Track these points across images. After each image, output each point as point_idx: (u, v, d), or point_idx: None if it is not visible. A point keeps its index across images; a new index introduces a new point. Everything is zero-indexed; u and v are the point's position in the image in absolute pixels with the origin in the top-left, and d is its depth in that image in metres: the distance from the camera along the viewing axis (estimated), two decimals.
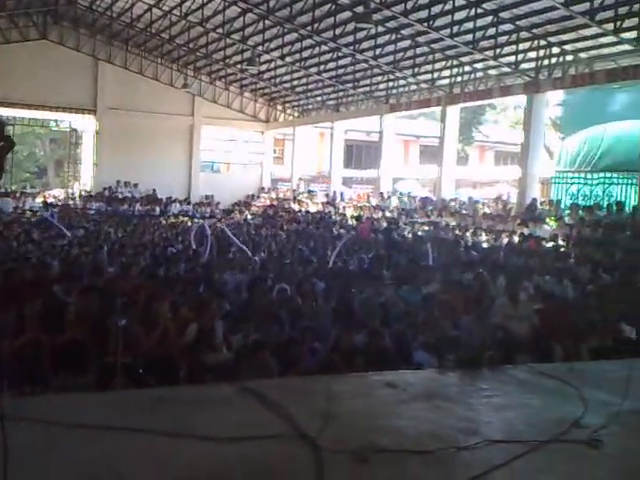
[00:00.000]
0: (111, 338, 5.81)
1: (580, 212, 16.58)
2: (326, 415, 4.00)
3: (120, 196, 28.90)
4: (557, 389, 4.87)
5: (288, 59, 25.22)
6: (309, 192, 29.93)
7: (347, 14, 19.48)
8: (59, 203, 26.74)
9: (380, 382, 4.94)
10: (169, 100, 30.22)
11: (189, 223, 23.59)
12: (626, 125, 16.89)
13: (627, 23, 15.06)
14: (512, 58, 19.10)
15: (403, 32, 20.00)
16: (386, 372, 5.30)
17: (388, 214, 22.65)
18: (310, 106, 31.19)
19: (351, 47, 21.85)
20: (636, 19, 14.86)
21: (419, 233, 19.53)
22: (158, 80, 30.05)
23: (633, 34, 15.36)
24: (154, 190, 29.55)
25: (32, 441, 3.50)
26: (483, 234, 18.04)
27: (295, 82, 28.48)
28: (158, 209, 28.35)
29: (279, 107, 32.79)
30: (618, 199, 16.54)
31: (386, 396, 4.67)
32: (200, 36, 25.58)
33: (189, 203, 29.82)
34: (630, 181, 16.49)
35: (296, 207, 27.92)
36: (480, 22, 17.95)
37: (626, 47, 16.22)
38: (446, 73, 22.37)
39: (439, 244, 16.12)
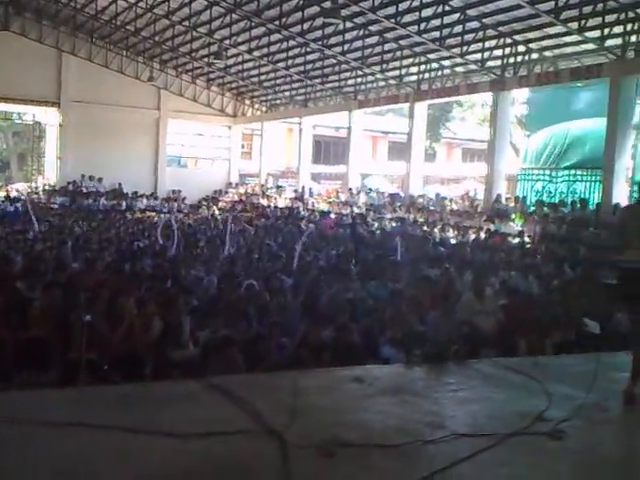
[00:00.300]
0: (75, 334, 5.73)
1: (545, 209, 16.82)
2: (293, 410, 4.00)
3: (85, 190, 28.41)
4: (521, 383, 4.96)
5: (256, 53, 25.05)
6: (277, 187, 29.83)
7: (315, 9, 19.43)
8: (22, 197, 26.17)
9: (347, 377, 4.97)
10: (135, 93, 29.79)
11: (156, 218, 23.33)
12: (589, 123, 17.17)
13: (591, 22, 15.29)
14: (479, 56, 19.24)
15: (371, 28, 20.02)
16: (353, 367, 5.34)
17: (356, 210, 22.71)
18: (278, 101, 31.07)
19: (319, 42, 21.81)
20: (600, 18, 15.10)
21: (387, 229, 19.63)
22: (123, 73, 29.60)
23: (597, 33, 15.60)
24: (119, 184, 29.13)
25: (2, 438, 3.45)
26: (450, 230, 18.20)
27: (263, 77, 28.32)
28: (124, 204, 27.97)
29: (247, 102, 32.60)
30: (582, 196, 16.81)
31: (353, 391, 4.70)
32: (166, 29, 25.26)
33: (156, 198, 29.49)
34: (594, 178, 16.77)
35: (265, 202, 27.83)
36: (447, 19, 18.02)
37: (590, 46, 16.45)
38: (414, 70, 22.41)
39: (407, 240, 16.21)
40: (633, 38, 15.25)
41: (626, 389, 4.66)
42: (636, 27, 15.02)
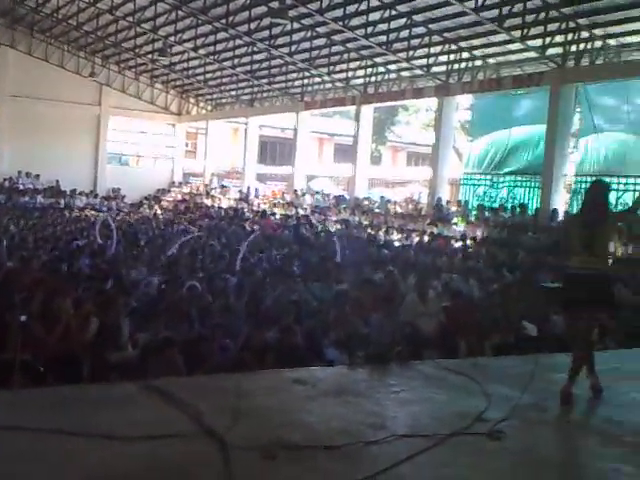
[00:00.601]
0: (10, 334, 5.53)
1: (486, 213, 17.16)
2: (235, 412, 3.95)
3: (21, 187, 27.55)
4: (462, 384, 5.03)
5: (201, 51, 24.79)
6: (222, 187, 29.57)
7: (262, 9, 19.36)
8: None
9: (291, 379, 4.94)
10: (75, 89, 28.98)
11: (95, 217, 22.80)
12: (529, 130, 17.60)
13: (533, 31, 15.67)
14: (424, 61, 19.48)
15: (319, 30, 20.07)
16: (297, 369, 5.32)
17: (301, 211, 22.71)
18: (224, 100, 30.81)
19: (266, 42, 21.72)
20: (542, 27, 15.50)
21: (331, 231, 19.69)
22: (64, 68, 28.81)
23: (538, 42, 16.01)
24: (57, 182, 28.34)
25: None
26: (395, 233, 18.37)
27: (209, 75, 28.02)
28: (62, 201, 27.22)
29: (192, 100, 32.22)
30: (522, 201, 17.21)
31: (296, 393, 4.67)
32: (109, 24, 24.70)
33: (95, 196, 28.81)
34: (533, 184, 17.19)
35: (209, 202, 27.53)
36: (394, 24, 18.20)
37: (532, 54, 16.88)
38: (360, 73, 22.56)
39: (351, 242, 16.30)
40: (573, 47, 15.72)
41: (563, 389, 4.79)
42: (576, 37, 15.49)
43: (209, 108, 31.84)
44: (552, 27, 15.43)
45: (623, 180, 14.96)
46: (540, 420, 4.44)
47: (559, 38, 15.71)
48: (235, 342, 6.76)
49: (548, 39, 15.75)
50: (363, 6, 17.63)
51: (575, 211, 13.40)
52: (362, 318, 7.93)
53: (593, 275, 4.87)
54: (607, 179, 8.17)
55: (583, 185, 15.57)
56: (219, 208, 26.06)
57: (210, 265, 12.50)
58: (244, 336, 6.81)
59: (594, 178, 9.50)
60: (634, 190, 14.47)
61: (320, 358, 6.53)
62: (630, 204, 11.44)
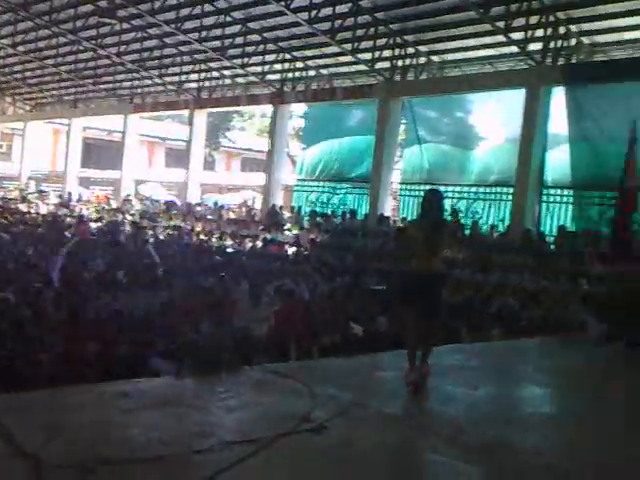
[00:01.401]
0: None
1: (318, 219, 17.59)
2: (50, 429, 3.70)
3: None
4: (290, 387, 5.07)
5: (20, 48, 23.17)
6: (40, 192, 27.59)
7: (89, 7, 18.47)
8: None
9: (113, 392, 4.70)
10: None
11: None
12: (361, 140, 18.26)
13: (363, 45, 16.34)
14: (259, 68, 19.64)
15: (150, 31, 19.51)
16: (120, 382, 5.08)
17: (129, 217, 21.88)
18: (45, 100, 28.99)
19: (93, 41, 20.74)
20: (371, 42, 16.20)
21: (161, 237, 19.18)
22: None
23: (368, 55, 16.72)
24: None
25: None
26: (228, 239, 18.27)
27: (28, 73, 26.24)
28: None
29: (8, 99, 30.00)
30: (352, 207, 17.85)
31: (118, 406, 4.45)
32: None
33: None
34: (362, 191, 17.89)
35: (24, 208, 25.52)
36: (229, 30, 18.18)
37: (362, 67, 17.53)
38: (194, 77, 22.27)
39: (183, 249, 15.99)
40: (400, 62, 16.58)
41: (407, 378, 5.19)
42: (403, 52, 16.36)
43: (27, 108, 29.82)
44: (381, 42, 16.21)
45: (443, 188, 15.95)
46: (362, 416, 4.58)
47: (387, 53, 16.52)
48: (52, 355, 6.32)
49: (377, 53, 16.52)
50: (197, 10, 17.41)
51: (413, 218, 13.99)
52: (191, 326, 7.76)
53: (431, 274, 5.38)
54: (435, 187, 8.66)
55: (408, 192, 16.51)
56: (37, 214, 24.30)
57: (26, 275, 11.60)
58: (62, 349, 6.39)
59: (426, 187, 10.09)
60: (452, 197, 15.45)
61: (145, 369, 6.28)
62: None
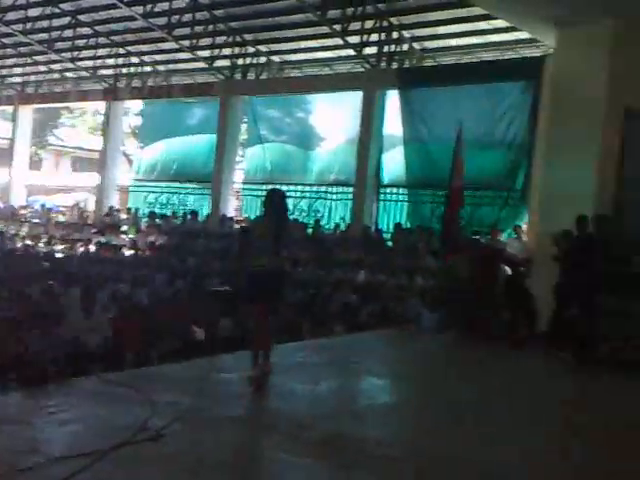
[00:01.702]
0: None
1: (157, 220, 17.01)
2: None
3: None
4: (126, 396, 4.81)
5: None
6: None
7: None
8: None
9: None
10: None
11: None
12: (202, 138, 17.93)
13: (202, 42, 16.00)
14: (91, 63, 18.69)
15: None
16: None
17: None
18: None
19: None
20: (210, 39, 15.88)
21: None
22: None
23: (207, 53, 16.43)
24: None
25: None
26: (58, 243, 17.18)
27: None
28: None
29: None
30: (193, 208, 17.46)
31: None
32: None
33: None
34: (204, 191, 17.57)
35: None
36: (57, 22, 17.10)
37: (202, 64, 17.22)
38: (18, 70, 20.85)
39: (5, 255, 14.84)
40: (240, 61, 16.45)
41: (253, 376, 5.21)
42: (243, 51, 16.24)
43: None
44: (220, 40, 16.00)
45: (285, 187, 16.09)
46: (202, 421, 4.46)
47: (227, 51, 16.34)
48: None
49: (217, 51, 16.29)
50: (22, 0, 16.24)
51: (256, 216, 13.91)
52: (17, 338, 7.14)
53: (276, 272, 5.51)
54: (278, 186, 8.68)
55: (251, 192, 16.46)
56: None
57: None
58: None
59: (269, 186, 10.07)
60: (294, 197, 15.60)
61: None
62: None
